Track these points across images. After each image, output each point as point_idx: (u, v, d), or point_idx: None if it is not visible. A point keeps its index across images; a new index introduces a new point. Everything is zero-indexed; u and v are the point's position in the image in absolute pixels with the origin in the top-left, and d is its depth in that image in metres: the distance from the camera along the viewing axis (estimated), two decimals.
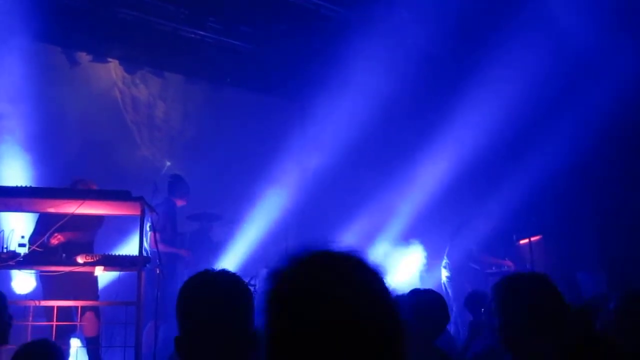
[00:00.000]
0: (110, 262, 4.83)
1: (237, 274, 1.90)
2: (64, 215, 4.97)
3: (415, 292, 3.68)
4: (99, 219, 5.75)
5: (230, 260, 8.37)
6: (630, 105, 7.01)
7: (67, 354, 5.53)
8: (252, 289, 6.58)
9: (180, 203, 7.68)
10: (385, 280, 1.12)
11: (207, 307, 1.77)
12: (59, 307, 5.13)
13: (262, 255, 8.71)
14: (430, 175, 8.84)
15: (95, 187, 5.78)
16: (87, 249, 5.31)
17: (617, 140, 7.22)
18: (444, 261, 8.18)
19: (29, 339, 4.89)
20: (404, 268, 9.06)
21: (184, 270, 7.37)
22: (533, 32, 7.27)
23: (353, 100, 8.65)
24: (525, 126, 8.07)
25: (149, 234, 5.40)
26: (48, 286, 5.49)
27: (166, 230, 6.98)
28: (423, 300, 3.53)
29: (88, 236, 5.65)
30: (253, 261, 8.53)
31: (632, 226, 7.36)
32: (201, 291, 1.82)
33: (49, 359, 3.12)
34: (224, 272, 1.87)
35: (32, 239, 5.15)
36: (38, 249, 4.84)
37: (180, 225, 7.81)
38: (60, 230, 5.10)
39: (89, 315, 5.53)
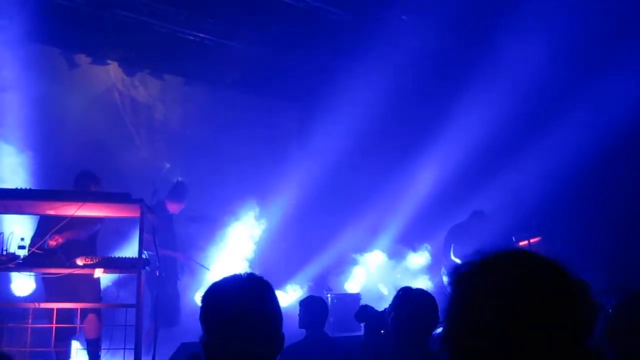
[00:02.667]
0: (110, 264, 4.83)
1: (263, 278, 1.86)
2: (64, 217, 4.97)
3: (404, 291, 3.65)
4: (97, 217, 5.75)
5: (228, 262, 8.36)
6: (631, 108, 7.02)
7: (68, 356, 5.54)
8: None
9: (171, 209, 7.60)
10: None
11: (236, 313, 1.73)
12: (59, 309, 5.13)
13: (261, 257, 8.71)
14: (429, 176, 8.85)
15: (95, 187, 5.79)
16: (86, 249, 5.30)
17: (617, 142, 7.22)
18: (443, 266, 8.16)
19: (29, 341, 4.90)
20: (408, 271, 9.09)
21: (181, 273, 7.36)
22: (536, 24, 7.29)
23: (353, 102, 8.67)
24: (525, 128, 8.08)
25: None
26: (50, 288, 5.49)
27: (159, 233, 6.95)
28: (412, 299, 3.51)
29: (86, 235, 5.63)
30: (252, 263, 8.53)
31: (631, 227, 7.37)
32: (229, 296, 1.78)
33: None
34: (251, 276, 1.84)
35: (33, 241, 5.15)
36: (37, 251, 4.84)
37: (179, 227, 7.81)
38: (58, 231, 5.10)
39: (91, 317, 5.53)
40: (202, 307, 1.79)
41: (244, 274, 1.85)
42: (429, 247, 8.99)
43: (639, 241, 7.28)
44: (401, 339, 3.38)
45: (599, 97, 7.23)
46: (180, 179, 8.04)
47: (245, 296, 1.77)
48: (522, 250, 1.19)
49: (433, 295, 3.58)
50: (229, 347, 1.72)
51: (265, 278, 1.87)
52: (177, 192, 7.64)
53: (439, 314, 3.58)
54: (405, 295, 3.55)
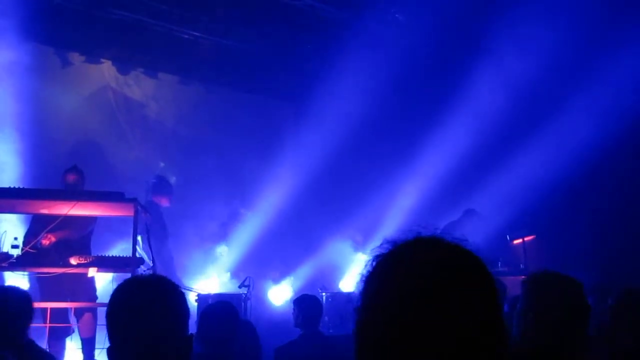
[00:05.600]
0: (104, 263, 4.83)
1: (169, 278, 1.84)
2: (56, 216, 4.95)
3: None
4: (91, 217, 5.74)
5: (224, 261, 8.37)
6: (628, 103, 7.03)
7: (62, 355, 5.52)
8: (245, 290, 6.51)
9: (164, 203, 7.68)
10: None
11: (136, 316, 1.71)
12: (54, 308, 5.12)
13: (257, 256, 8.71)
14: (423, 176, 8.85)
15: (73, 176, 5.77)
16: (80, 248, 5.29)
17: (611, 140, 7.24)
18: None
19: None
20: None
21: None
22: (530, 26, 7.29)
23: (347, 100, 8.67)
24: (519, 126, 8.09)
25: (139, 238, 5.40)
26: (45, 287, 5.47)
27: (155, 232, 6.96)
28: None
29: (80, 235, 5.62)
30: (248, 262, 8.52)
31: (626, 226, 7.39)
32: (131, 298, 1.76)
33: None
34: (155, 277, 1.83)
35: (26, 240, 5.13)
36: (31, 251, 4.82)
37: (172, 225, 7.80)
38: (51, 231, 5.08)
39: (86, 316, 5.52)
40: (106, 311, 1.76)
41: (147, 276, 1.84)
42: None
43: (631, 240, 7.31)
44: None
45: (592, 98, 7.24)
46: (157, 174, 8.10)
47: (149, 298, 1.74)
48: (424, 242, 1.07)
49: None
50: (133, 349, 1.69)
51: (169, 279, 1.84)
52: (163, 185, 7.73)
53: None
54: None
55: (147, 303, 1.73)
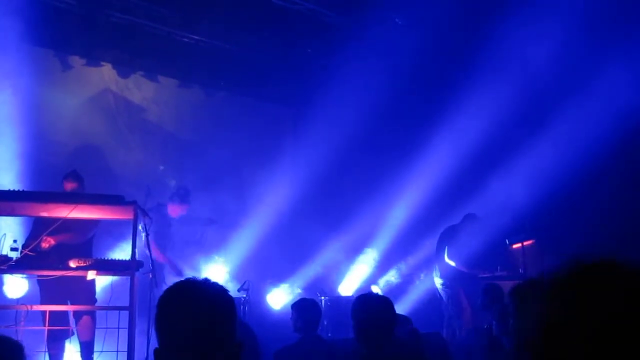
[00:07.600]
0: (103, 266, 4.83)
1: (220, 283, 1.81)
2: (57, 219, 4.95)
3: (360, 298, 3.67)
4: (93, 221, 5.73)
5: (222, 265, 8.35)
6: (627, 108, 7.05)
7: (61, 358, 5.52)
8: (244, 293, 6.52)
9: (172, 212, 7.64)
10: None
11: (188, 319, 1.68)
12: (53, 311, 5.11)
13: (254, 260, 8.71)
14: (423, 180, 8.86)
15: (71, 185, 5.76)
16: (80, 252, 5.28)
17: (610, 144, 7.26)
18: (436, 268, 8.15)
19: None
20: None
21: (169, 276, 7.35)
22: (530, 31, 7.30)
23: (346, 106, 8.68)
24: (518, 129, 8.11)
25: (142, 236, 5.39)
26: (44, 290, 5.47)
27: (155, 235, 6.94)
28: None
29: (82, 239, 5.62)
30: (247, 265, 8.52)
31: (625, 229, 7.39)
32: (182, 301, 1.73)
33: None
34: (207, 282, 1.79)
35: (27, 243, 5.13)
36: (30, 253, 4.82)
37: (177, 231, 7.80)
38: (51, 233, 5.08)
39: (85, 319, 5.52)
40: (156, 314, 1.73)
41: (198, 279, 1.81)
42: (418, 252, 9.05)
43: (630, 244, 7.31)
44: (364, 345, 3.40)
45: (591, 100, 7.26)
46: (184, 185, 8.07)
47: (201, 302, 1.73)
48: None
49: (389, 298, 3.62)
50: (182, 354, 1.66)
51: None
52: (180, 195, 7.69)
53: (394, 316, 3.61)
54: (362, 302, 3.56)
55: (198, 307, 1.71)
